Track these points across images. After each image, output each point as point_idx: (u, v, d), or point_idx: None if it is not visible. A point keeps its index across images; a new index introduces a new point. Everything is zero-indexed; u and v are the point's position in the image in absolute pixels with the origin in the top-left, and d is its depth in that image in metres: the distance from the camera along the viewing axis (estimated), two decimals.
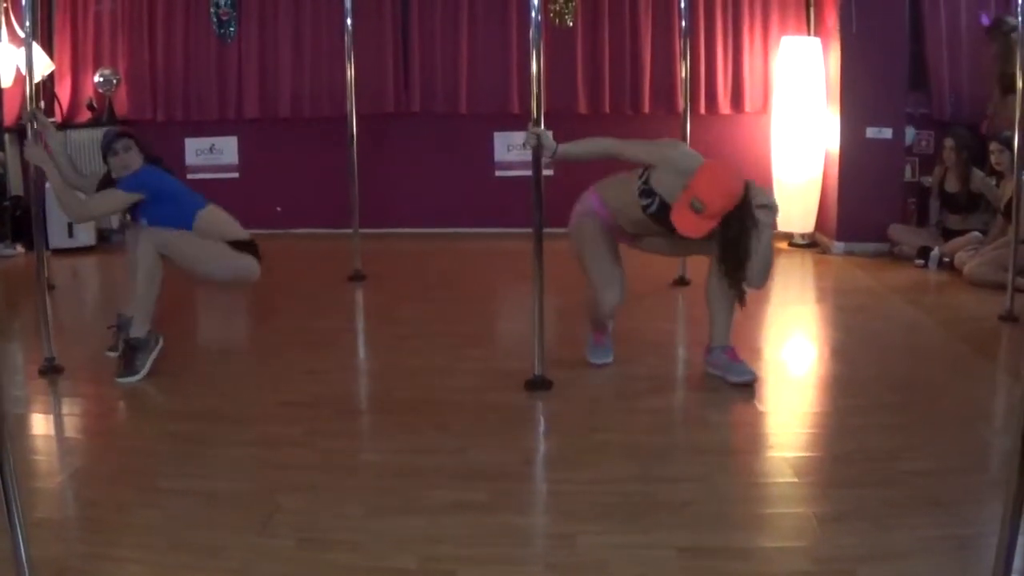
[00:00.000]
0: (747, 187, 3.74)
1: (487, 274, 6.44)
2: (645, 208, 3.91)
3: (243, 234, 4.38)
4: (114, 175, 4.27)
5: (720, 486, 3.05)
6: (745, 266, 3.81)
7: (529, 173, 3.97)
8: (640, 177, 3.92)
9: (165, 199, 4.21)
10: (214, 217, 4.33)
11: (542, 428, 3.72)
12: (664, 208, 3.84)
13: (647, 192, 3.88)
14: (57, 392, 4.05)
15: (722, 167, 3.80)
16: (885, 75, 6.65)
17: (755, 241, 3.78)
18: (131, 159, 4.24)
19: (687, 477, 3.10)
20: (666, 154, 3.91)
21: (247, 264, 4.36)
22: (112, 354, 4.36)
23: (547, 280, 3.95)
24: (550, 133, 3.86)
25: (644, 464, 3.21)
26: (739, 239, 3.76)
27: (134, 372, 4.09)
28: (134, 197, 4.17)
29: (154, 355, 4.18)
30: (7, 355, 4.56)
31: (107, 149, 4.27)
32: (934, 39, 6.95)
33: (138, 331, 4.16)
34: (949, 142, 6.47)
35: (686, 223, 3.71)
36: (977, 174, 6.38)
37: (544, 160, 3.92)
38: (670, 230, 3.86)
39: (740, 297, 3.94)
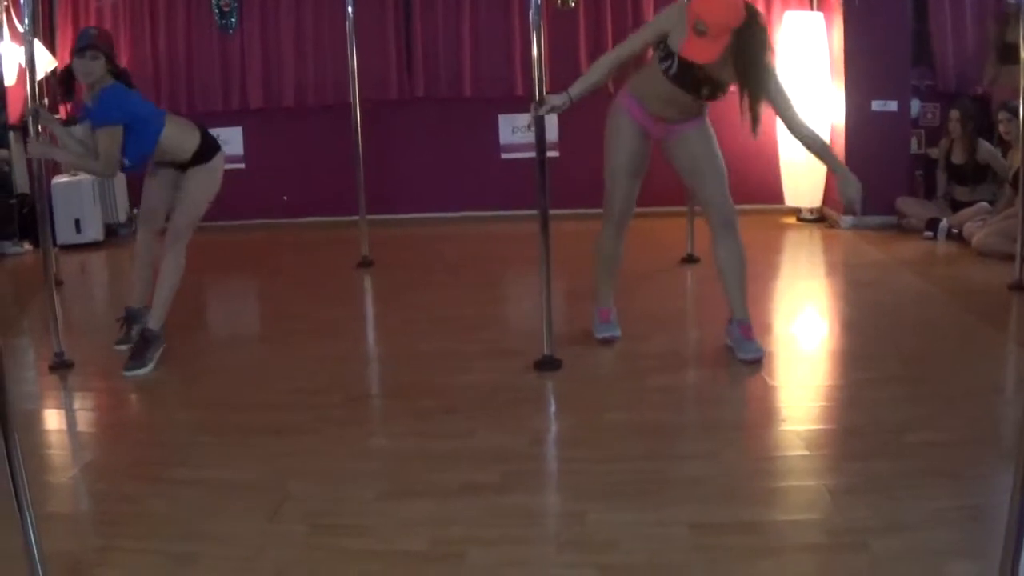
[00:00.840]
0: (749, 6, 3.67)
1: (494, 257, 6.44)
2: (666, 72, 3.83)
3: (196, 137, 4.28)
4: (75, 73, 4.17)
5: (731, 461, 3.04)
6: (768, 86, 3.72)
7: (535, 155, 3.96)
8: (659, 46, 3.86)
9: (130, 131, 4.10)
10: (173, 133, 4.23)
11: (552, 408, 3.73)
12: (682, 66, 3.78)
13: (665, 56, 3.82)
14: (68, 387, 4.07)
15: None
16: (889, 48, 6.60)
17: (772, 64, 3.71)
18: (94, 68, 4.11)
19: (698, 454, 3.10)
20: (666, 15, 3.85)
21: (219, 164, 4.33)
22: (121, 347, 4.37)
23: (554, 261, 3.95)
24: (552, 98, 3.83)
25: (654, 442, 3.21)
26: (754, 56, 3.67)
27: (143, 364, 4.10)
28: (119, 128, 4.06)
29: (160, 351, 4.21)
30: (17, 351, 4.58)
31: (78, 51, 4.14)
32: (937, 10, 6.90)
33: (155, 324, 4.19)
34: (954, 113, 6.44)
35: (694, 50, 3.64)
36: (983, 145, 6.35)
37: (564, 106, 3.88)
38: (693, 92, 3.82)
39: (755, 125, 3.81)
